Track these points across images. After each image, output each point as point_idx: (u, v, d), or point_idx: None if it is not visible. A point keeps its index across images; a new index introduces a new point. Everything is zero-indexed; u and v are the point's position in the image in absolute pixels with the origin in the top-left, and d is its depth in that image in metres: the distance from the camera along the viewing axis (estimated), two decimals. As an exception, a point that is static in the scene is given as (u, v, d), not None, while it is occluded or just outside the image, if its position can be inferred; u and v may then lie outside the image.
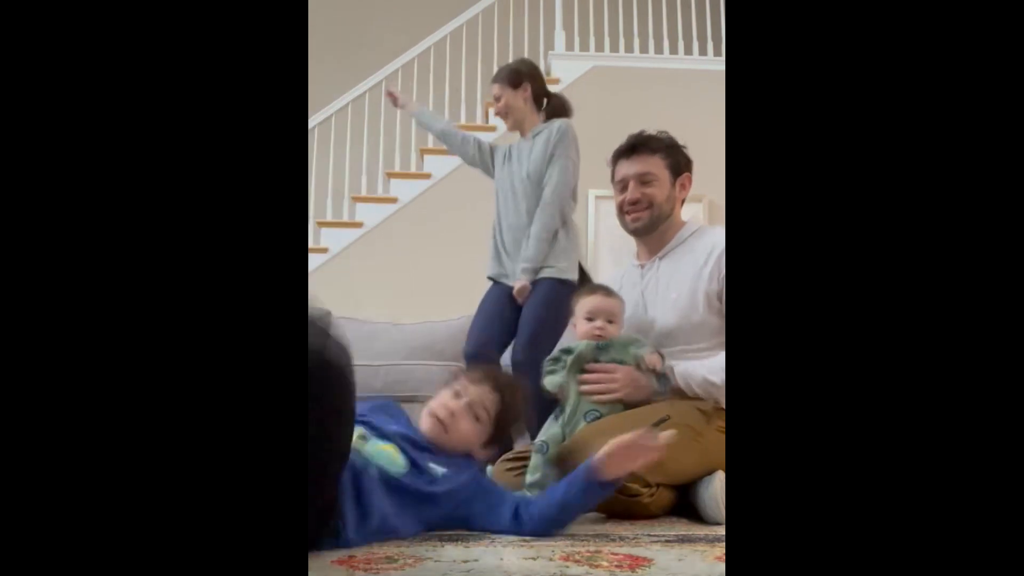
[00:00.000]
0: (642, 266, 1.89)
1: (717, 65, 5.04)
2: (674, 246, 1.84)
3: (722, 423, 1.64)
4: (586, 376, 1.67)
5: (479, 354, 2.45)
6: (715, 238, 1.78)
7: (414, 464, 1.17)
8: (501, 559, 0.99)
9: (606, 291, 1.79)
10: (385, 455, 1.15)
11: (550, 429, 1.70)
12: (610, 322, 1.73)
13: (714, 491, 1.49)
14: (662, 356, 1.69)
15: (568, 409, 1.68)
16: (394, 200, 4.63)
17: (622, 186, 1.85)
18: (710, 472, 1.56)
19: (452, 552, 1.02)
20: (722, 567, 0.94)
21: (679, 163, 1.85)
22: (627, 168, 1.84)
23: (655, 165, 1.83)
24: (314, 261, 4.39)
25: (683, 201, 1.89)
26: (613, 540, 1.16)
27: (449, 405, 1.29)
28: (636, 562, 0.96)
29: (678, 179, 1.85)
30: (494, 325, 2.51)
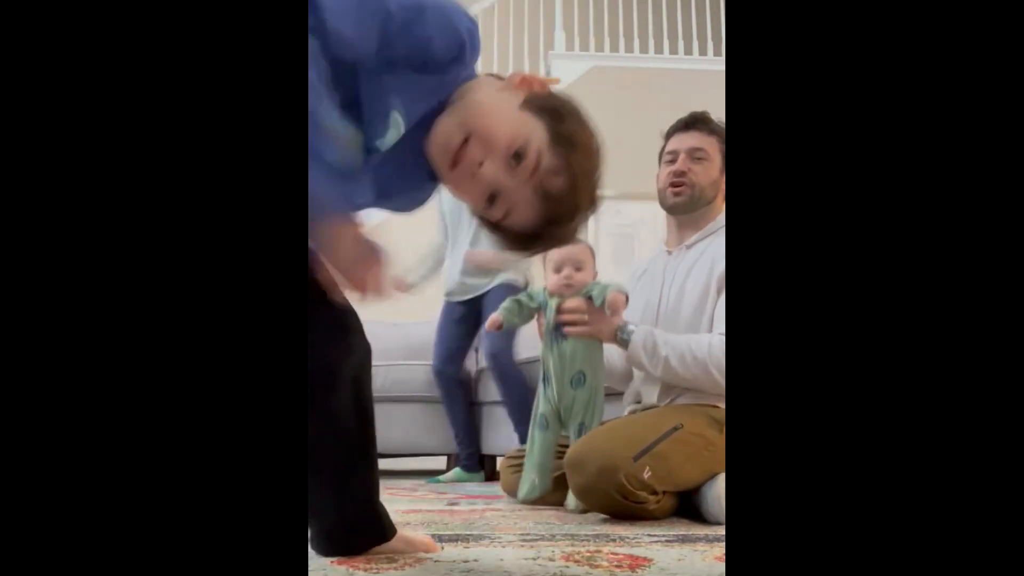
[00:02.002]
0: (669, 252, 1.84)
1: (717, 65, 5.04)
2: (703, 236, 1.78)
3: None
4: (562, 309, 1.69)
5: (443, 369, 3.00)
6: None
7: None
8: (501, 559, 0.99)
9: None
10: None
11: (537, 436, 1.73)
12: (578, 270, 1.73)
13: (717, 491, 1.49)
14: (626, 296, 1.68)
15: (553, 377, 1.71)
16: (394, 200, 4.63)
17: (671, 158, 1.78)
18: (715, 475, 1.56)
19: (452, 552, 1.03)
20: (722, 567, 0.94)
21: None
22: (680, 141, 1.77)
23: (710, 144, 1.77)
24: (314, 261, 4.39)
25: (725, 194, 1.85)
26: (613, 540, 1.16)
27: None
28: (636, 562, 0.96)
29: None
30: (453, 341, 3.00)
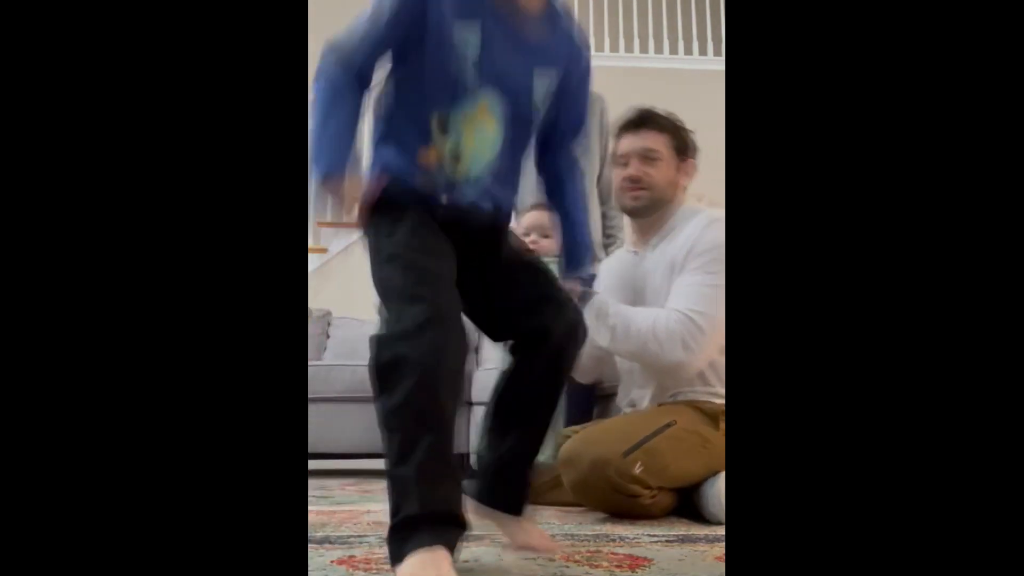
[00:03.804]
0: (636, 252, 1.82)
1: (717, 65, 5.04)
2: (667, 232, 1.75)
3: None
4: None
5: None
6: (697, 224, 1.69)
7: None
8: (501, 559, 0.99)
9: (540, 205, 1.73)
10: None
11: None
12: (545, 236, 1.69)
13: (718, 490, 1.49)
14: (584, 280, 1.61)
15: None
16: (394, 200, 4.62)
17: (624, 161, 1.74)
18: (715, 474, 1.56)
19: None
20: (722, 567, 0.94)
21: (685, 146, 1.75)
22: (631, 143, 1.74)
23: (660, 144, 1.73)
24: (314, 261, 4.39)
25: (686, 188, 1.80)
26: (613, 540, 1.16)
27: None
28: (636, 562, 0.96)
29: (683, 163, 1.75)
30: None
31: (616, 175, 1.77)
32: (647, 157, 1.71)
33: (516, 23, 1.01)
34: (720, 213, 1.74)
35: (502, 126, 1.01)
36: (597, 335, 1.59)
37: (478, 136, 0.99)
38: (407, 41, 1.00)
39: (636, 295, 1.77)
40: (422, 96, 0.99)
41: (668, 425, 1.53)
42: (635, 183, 1.72)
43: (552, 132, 1.14)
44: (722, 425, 1.59)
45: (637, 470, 1.46)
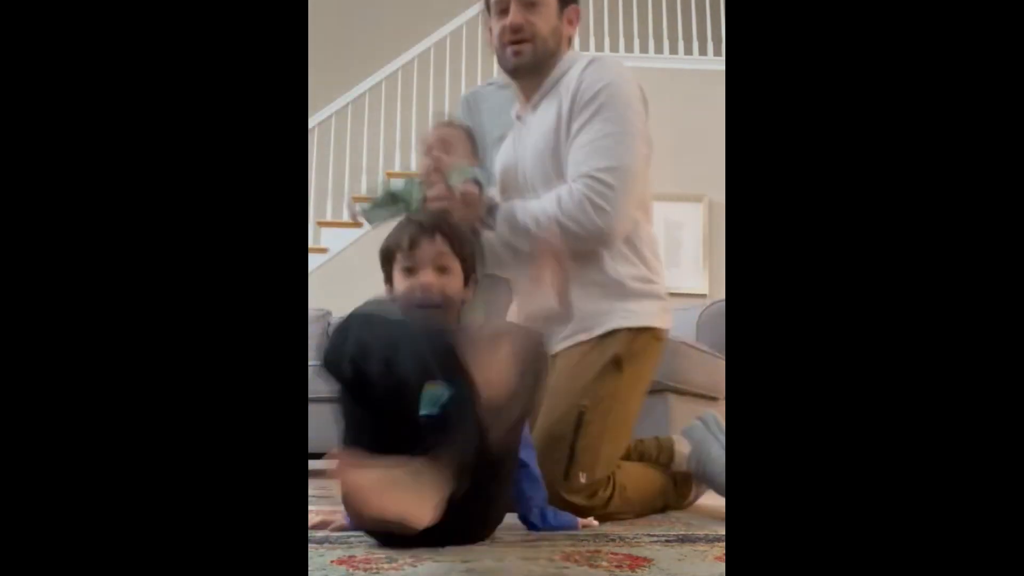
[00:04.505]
0: (519, 117, 1.65)
1: (717, 65, 5.04)
2: (548, 88, 1.57)
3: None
4: (427, 198, 1.51)
5: None
6: (575, 71, 1.51)
7: None
8: (501, 559, 0.99)
9: (447, 123, 1.69)
10: None
11: None
12: (447, 152, 1.57)
13: (681, 448, 1.48)
14: (479, 184, 1.51)
15: None
16: (394, 200, 4.63)
17: (501, 9, 1.54)
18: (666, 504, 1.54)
19: (452, 552, 1.02)
20: (722, 567, 0.94)
21: None
22: None
23: None
24: (314, 261, 4.39)
25: (570, 39, 1.62)
26: (613, 540, 1.16)
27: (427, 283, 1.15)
28: (636, 562, 0.96)
29: (565, 10, 1.57)
30: None
31: (494, 28, 1.57)
32: (528, 3, 1.52)
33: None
34: (600, 55, 1.58)
35: None
36: (518, 242, 1.47)
37: None
38: None
39: (521, 158, 1.58)
40: None
41: (581, 416, 1.40)
42: (516, 32, 1.52)
43: None
44: (630, 367, 1.46)
45: (583, 480, 1.38)
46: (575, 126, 1.47)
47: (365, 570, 0.89)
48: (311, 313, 3.35)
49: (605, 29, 5.13)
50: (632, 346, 1.48)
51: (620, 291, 1.49)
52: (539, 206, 1.48)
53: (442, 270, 1.16)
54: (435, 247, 1.15)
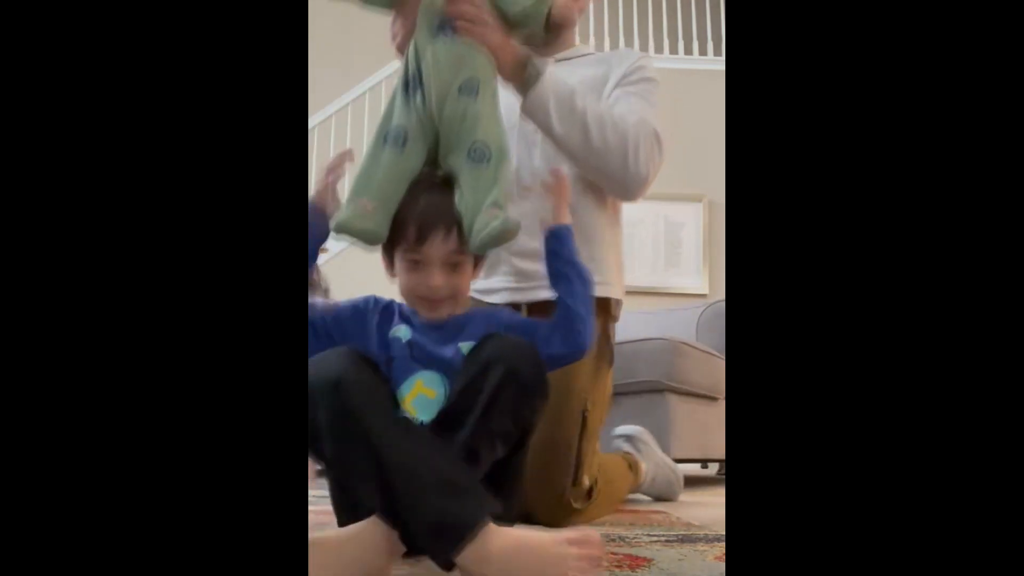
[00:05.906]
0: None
1: (717, 65, 5.04)
2: (571, 55, 1.47)
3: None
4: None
5: None
6: (616, 56, 1.42)
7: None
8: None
9: None
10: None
11: (386, 155, 1.08)
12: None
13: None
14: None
15: (432, 80, 1.08)
16: (394, 200, 4.63)
17: None
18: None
19: (452, 552, 1.02)
20: (722, 567, 0.94)
21: None
22: None
23: None
24: (314, 261, 4.39)
25: (582, 10, 1.47)
26: (613, 540, 1.16)
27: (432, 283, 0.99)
28: (636, 562, 0.96)
29: None
30: None
31: None
32: None
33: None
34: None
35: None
36: (559, 123, 1.21)
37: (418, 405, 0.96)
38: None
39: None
40: None
41: (584, 415, 1.36)
42: None
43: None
44: (608, 351, 1.42)
45: (587, 483, 1.36)
46: (626, 83, 1.36)
47: (365, 570, 0.88)
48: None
49: (606, 29, 5.13)
50: (607, 330, 1.43)
51: (598, 272, 1.30)
52: (605, 108, 1.28)
53: (452, 267, 1.00)
54: (447, 245, 0.98)
